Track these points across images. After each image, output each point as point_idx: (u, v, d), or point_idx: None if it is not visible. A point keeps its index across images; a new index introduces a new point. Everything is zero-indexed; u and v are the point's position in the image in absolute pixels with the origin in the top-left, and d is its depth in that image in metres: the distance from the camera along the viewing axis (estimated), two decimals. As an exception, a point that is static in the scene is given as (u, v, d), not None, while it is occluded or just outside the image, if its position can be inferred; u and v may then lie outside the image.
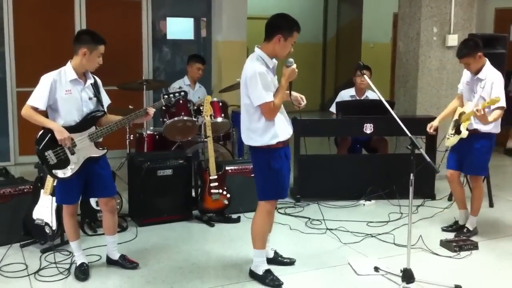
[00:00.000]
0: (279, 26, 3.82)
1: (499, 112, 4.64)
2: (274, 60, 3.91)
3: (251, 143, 3.94)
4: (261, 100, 3.75)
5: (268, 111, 3.80)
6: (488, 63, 4.79)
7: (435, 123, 5.07)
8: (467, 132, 4.73)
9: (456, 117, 4.92)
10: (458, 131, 4.80)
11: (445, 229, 5.14)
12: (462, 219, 5.13)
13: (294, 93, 4.05)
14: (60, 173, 3.86)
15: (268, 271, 4.04)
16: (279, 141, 3.88)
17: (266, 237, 4.11)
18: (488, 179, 5.95)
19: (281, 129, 3.90)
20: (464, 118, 4.74)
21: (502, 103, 4.62)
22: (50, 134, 3.80)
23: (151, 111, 4.10)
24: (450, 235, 4.96)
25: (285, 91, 3.89)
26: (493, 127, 4.79)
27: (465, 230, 5.00)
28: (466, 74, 4.92)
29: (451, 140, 4.90)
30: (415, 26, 6.76)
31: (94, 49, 3.87)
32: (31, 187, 4.64)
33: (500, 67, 5.78)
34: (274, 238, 4.42)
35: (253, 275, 4.09)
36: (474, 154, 4.84)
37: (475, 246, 4.70)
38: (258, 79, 3.73)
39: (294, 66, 3.87)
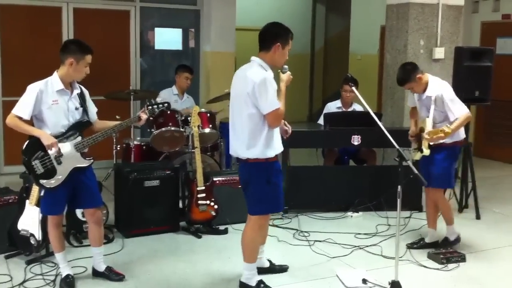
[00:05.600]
0: (277, 34, 3.80)
1: (458, 122, 4.59)
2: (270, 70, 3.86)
3: (249, 156, 3.81)
4: (272, 107, 3.68)
5: (276, 118, 3.74)
6: (431, 78, 4.75)
7: (414, 130, 4.95)
8: (429, 151, 4.60)
9: (417, 131, 4.89)
10: (420, 148, 4.71)
11: (409, 246, 4.96)
12: (428, 237, 5.03)
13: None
14: (47, 183, 3.82)
15: (261, 282, 4.03)
16: (276, 153, 3.87)
17: (258, 250, 4.07)
18: (475, 191, 5.98)
19: (278, 142, 3.90)
20: (423, 137, 4.65)
21: (458, 113, 4.60)
22: (37, 144, 3.77)
23: (143, 116, 4.14)
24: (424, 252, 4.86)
25: (284, 96, 3.84)
26: (454, 136, 4.69)
27: (446, 241, 4.95)
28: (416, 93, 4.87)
29: (417, 155, 4.82)
30: (402, 38, 6.81)
31: (81, 59, 3.85)
32: (16, 197, 4.59)
33: (486, 80, 5.83)
34: (262, 249, 4.41)
35: (244, 287, 4.05)
36: (436, 166, 4.76)
37: (462, 258, 4.70)
38: (267, 85, 3.67)
39: (289, 72, 3.89)
